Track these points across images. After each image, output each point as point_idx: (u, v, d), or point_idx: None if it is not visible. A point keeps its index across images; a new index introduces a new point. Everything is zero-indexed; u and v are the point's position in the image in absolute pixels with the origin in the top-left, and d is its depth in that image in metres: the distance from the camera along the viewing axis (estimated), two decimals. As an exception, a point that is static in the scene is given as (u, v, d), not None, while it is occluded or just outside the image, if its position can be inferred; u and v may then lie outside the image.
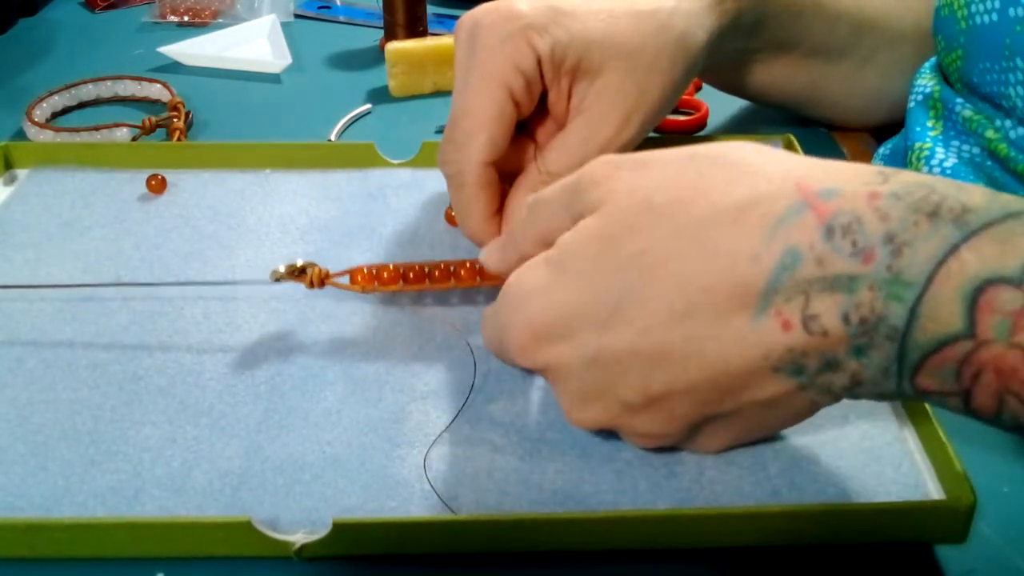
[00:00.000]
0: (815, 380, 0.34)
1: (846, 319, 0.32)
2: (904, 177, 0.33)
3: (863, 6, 0.63)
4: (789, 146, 0.61)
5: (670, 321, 0.35)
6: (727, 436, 0.40)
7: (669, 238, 0.35)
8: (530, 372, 0.45)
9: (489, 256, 0.45)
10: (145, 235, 0.56)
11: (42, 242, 0.55)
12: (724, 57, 0.58)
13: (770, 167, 0.35)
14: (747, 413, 0.37)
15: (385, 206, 0.59)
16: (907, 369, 0.32)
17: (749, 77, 0.64)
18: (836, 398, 0.35)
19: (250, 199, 0.59)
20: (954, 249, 0.30)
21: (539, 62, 0.47)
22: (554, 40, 0.47)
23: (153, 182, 0.59)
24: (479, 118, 0.47)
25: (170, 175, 0.60)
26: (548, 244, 0.39)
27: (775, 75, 0.64)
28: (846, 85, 0.65)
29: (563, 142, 0.49)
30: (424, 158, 0.62)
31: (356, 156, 0.62)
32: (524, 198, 0.48)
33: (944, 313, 0.30)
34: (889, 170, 0.34)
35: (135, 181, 0.60)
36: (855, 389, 0.34)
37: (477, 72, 0.47)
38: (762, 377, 0.34)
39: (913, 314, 0.31)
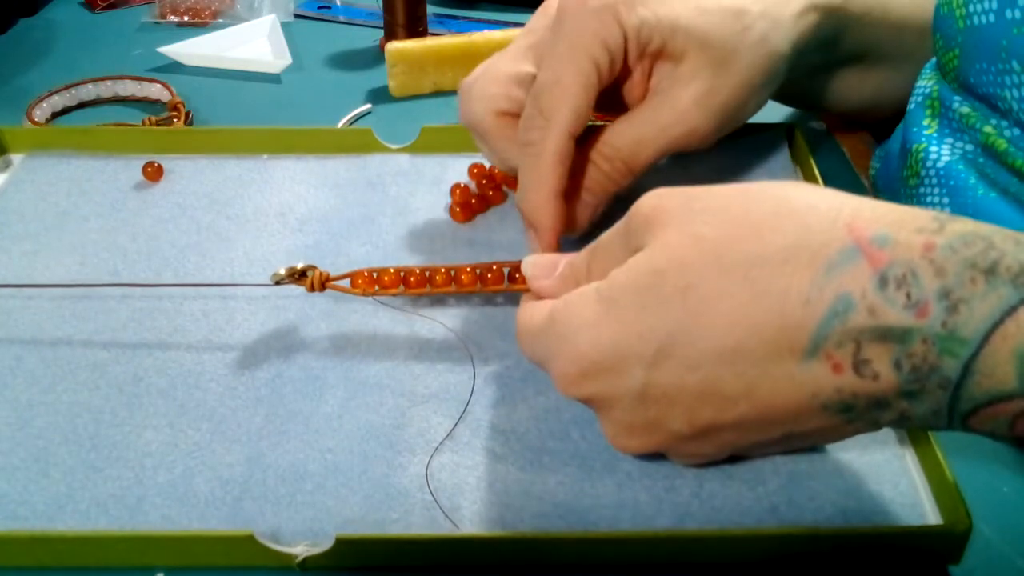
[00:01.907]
0: (863, 416, 0.34)
1: (898, 366, 0.32)
2: (959, 226, 0.32)
3: (927, 9, 0.62)
4: (791, 136, 0.61)
5: (719, 359, 0.34)
6: (768, 452, 0.41)
7: (718, 276, 0.34)
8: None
9: (538, 282, 0.43)
10: (142, 226, 0.56)
11: (39, 233, 0.55)
12: (798, 72, 0.57)
13: (820, 205, 0.34)
14: (791, 439, 0.37)
15: (384, 194, 0.58)
16: (958, 415, 0.32)
17: (818, 90, 0.63)
18: (880, 428, 0.35)
19: (248, 186, 0.59)
20: (1012, 311, 0.30)
21: (625, 42, 0.47)
22: (641, 20, 0.47)
23: (149, 169, 0.59)
24: (568, 88, 0.46)
25: (166, 161, 0.60)
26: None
27: (843, 86, 0.63)
28: (907, 88, 0.64)
29: (627, 118, 0.49)
30: (423, 144, 0.61)
31: (354, 141, 0.62)
32: (594, 174, 0.49)
33: (999, 372, 0.30)
34: (944, 216, 0.33)
35: (131, 167, 0.60)
36: (902, 423, 0.34)
37: (566, 42, 0.47)
38: (810, 413, 0.34)
39: (967, 370, 0.31)
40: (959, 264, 0.31)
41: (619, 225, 0.39)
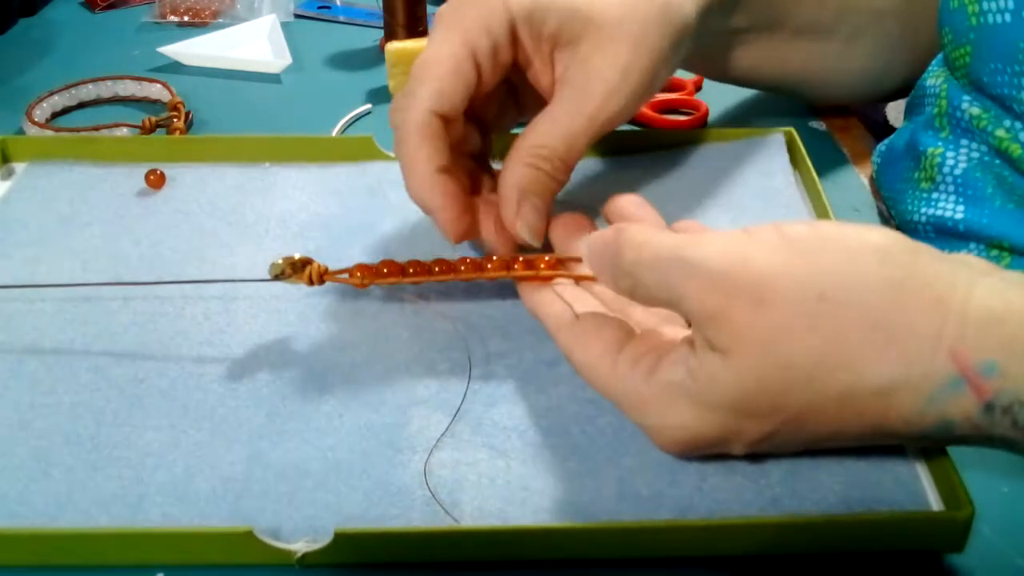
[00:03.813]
0: None
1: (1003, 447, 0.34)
2: None
3: None
4: (791, 141, 0.60)
5: (820, 443, 0.37)
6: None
7: (811, 402, 0.34)
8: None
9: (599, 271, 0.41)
10: (144, 232, 0.55)
11: (41, 240, 0.55)
12: (710, 39, 0.56)
13: (918, 325, 0.33)
14: None
15: (385, 202, 0.58)
16: None
17: (736, 60, 0.62)
18: None
19: (249, 194, 0.59)
20: None
21: (513, 27, 0.46)
22: (533, 3, 0.46)
23: (152, 177, 0.59)
24: (433, 69, 0.45)
25: (168, 169, 0.60)
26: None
27: (762, 57, 0.62)
28: (833, 64, 0.64)
29: (550, 115, 0.47)
30: None
31: (355, 149, 0.62)
32: (516, 170, 0.47)
33: None
34: None
35: (133, 176, 0.59)
36: None
37: (443, 25, 0.46)
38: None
39: None
40: None
41: (668, 283, 0.36)
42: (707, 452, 0.39)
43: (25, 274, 0.52)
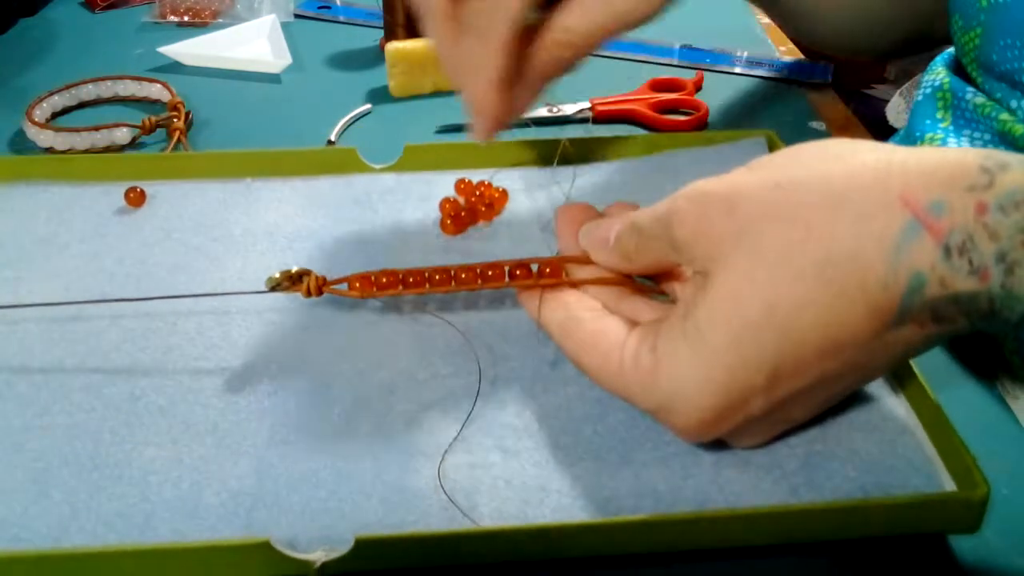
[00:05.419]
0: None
1: (968, 316, 0.34)
2: (1008, 179, 0.32)
3: None
4: (771, 144, 0.59)
5: (823, 358, 0.35)
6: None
7: (792, 285, 0.34)
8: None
9: (596, 254, 0.42)
10: (128, 250, 0.52)
11: (19, 260, 0.51)
12: None
13: (868, 181, 0.34)
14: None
15: (373, 212, 0.55)
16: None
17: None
18: None
19: (233, 209, 0.56)
20: None
21: None
22: None
23: (131, 195, 0.56)
24: None
25: (148, 187, 0.56)
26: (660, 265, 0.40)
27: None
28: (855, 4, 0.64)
29: (582, 4, 0.44)
30: (407, 162, 0.59)
31: (338, 162, 0.59)
32: (542, 57, 0.44)
33: None
34: (990, 162, 0.33)
35: (111, 194, 0.56)
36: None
37: None
38: (898, 357, 0.37)
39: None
40: (1010, 228, 0.32)
41: (659, 216, 0.38)
42: (728, 422, 0.36)
43: (5, 295, 0.49)
